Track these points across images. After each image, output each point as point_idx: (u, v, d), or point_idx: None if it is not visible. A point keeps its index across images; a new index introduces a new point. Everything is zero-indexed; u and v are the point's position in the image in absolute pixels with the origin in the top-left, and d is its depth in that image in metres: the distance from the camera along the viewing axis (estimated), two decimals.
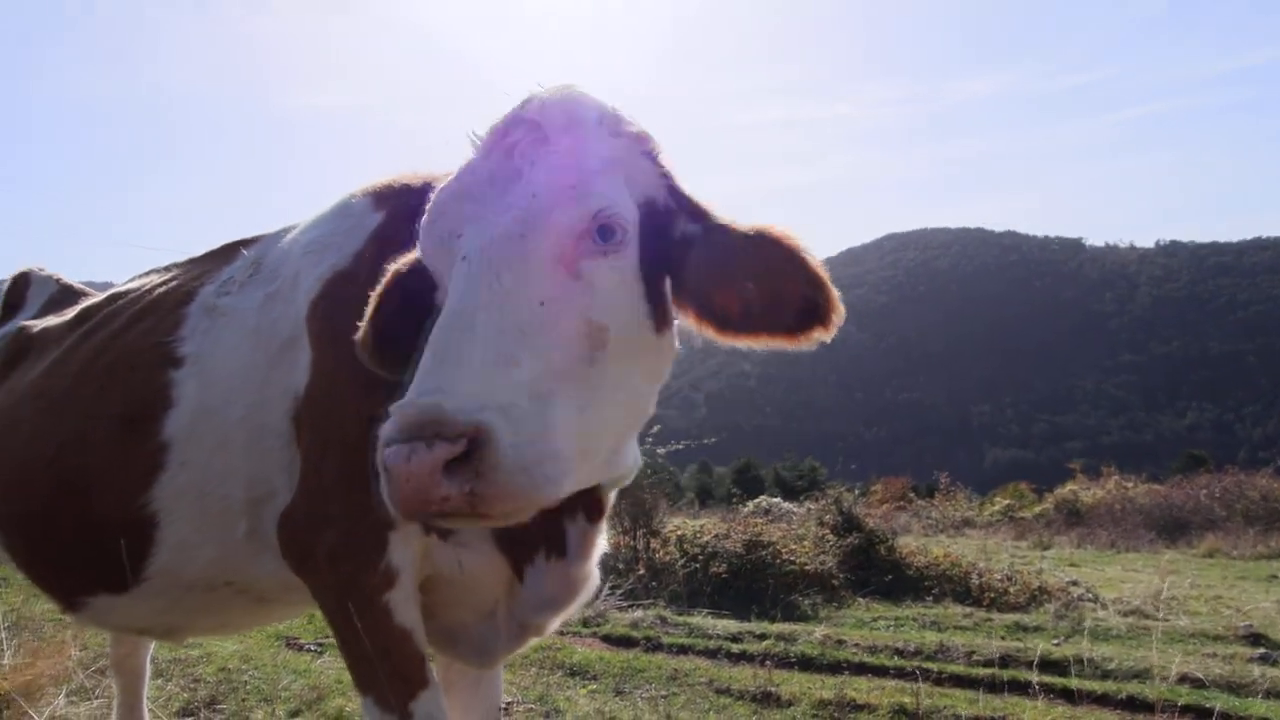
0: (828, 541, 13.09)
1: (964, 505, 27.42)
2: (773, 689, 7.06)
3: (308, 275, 2.92)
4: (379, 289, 2.38)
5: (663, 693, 7.11)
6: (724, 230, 2.28)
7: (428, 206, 2.22)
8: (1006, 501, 29.92)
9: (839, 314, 2.24)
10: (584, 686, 7.24)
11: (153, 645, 5.02)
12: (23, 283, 4.66)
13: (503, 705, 3.26)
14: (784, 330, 2.26)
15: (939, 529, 23.60)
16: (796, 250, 2.23)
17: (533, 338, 1.96)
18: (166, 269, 3.78)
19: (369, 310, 2.37)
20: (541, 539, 2.70)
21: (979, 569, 12.60)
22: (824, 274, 2.22)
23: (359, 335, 2.37)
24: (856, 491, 16.34)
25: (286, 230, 3.25)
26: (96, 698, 5.67)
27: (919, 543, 15.29)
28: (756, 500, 21.40)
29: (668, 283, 2.29)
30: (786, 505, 19.66)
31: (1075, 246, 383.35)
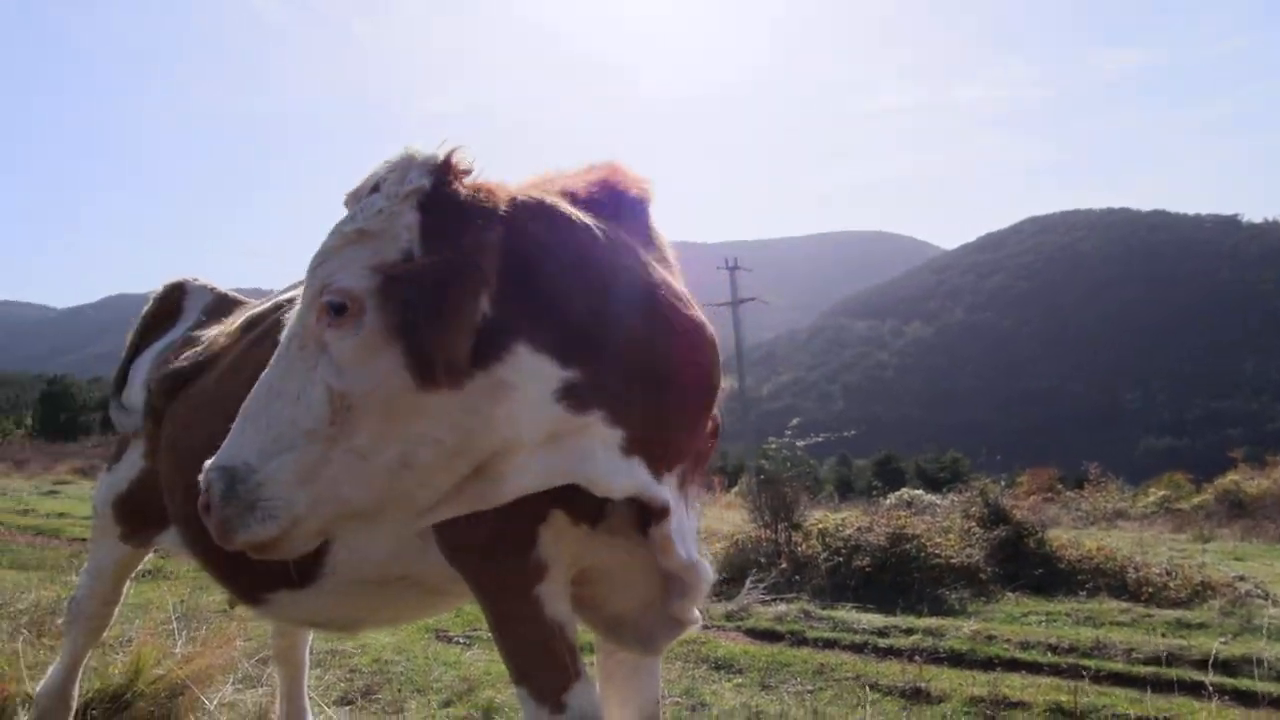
0: (974, 534, 12.77)
1: (1116, 496, 26.38)
2: (922, 684, 6.95)
3: None
4: None
5: (809, 687, 7.06)
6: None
7: None
8: (1162, 492, 28.75)
9: None
10: (729, 680, 7.24)
11: (311, 637, 5.20)
12: (179, 293, 4.83)
13: (660, 698, 3.26)
14: None
15: (1090, 521, 22.76)
16: None
17: (275, 408, 2.39)
18: None
19: None
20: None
21: (1135, 563, 12.09)
22: None
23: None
24: (1002, 483, 15.89)
25: None
26: (261, 686, 5.91)
27: (1070, 535, 14.76)
28: (898, 493, 21.05)
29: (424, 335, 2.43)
30: (929, 497, 19.28)
31: (1231, 224, 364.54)
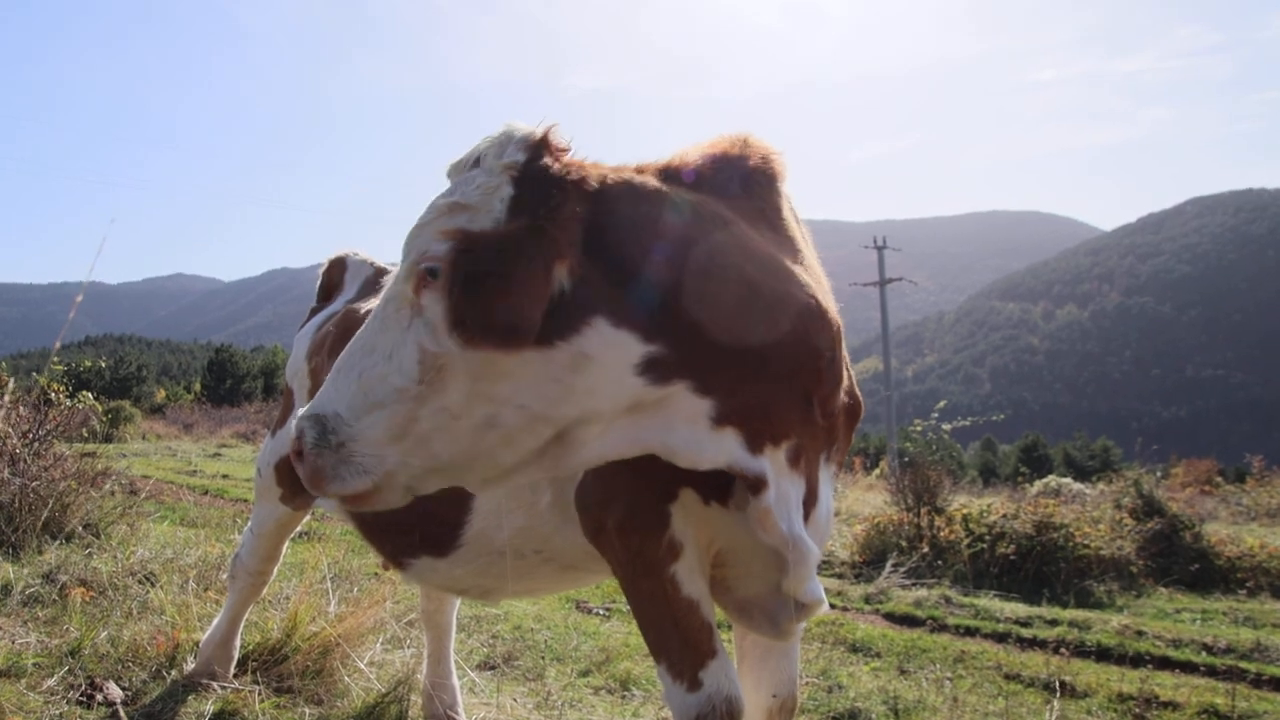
0: (1125, 525, 12.34)
1: None
2: (1067, 678, 6.75)
3: None
4: None
5: (948, 675, 6.95)
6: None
7: None
8: None
9: None
10: (867, 664, 7.17)
11: (458, 602, 5.36)
12: (339, 267, 5.04)
13: (797, 680, 3.26)
14: None
15: (1251, 517, 21.67)
16: None
17: (370, 364, 2.47)
18: None
19: None
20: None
21: None
22: None
23: None
24: (1156, 474, 15.30)
25: None
26: (409, 647, 6.10)
27: (1229, 531, 14.13)
28: (1045, 480, 20.47)
29: None
30: (1077, 486, 18.71)
31: None
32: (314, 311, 4.92)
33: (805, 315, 2.56)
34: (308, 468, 2.35)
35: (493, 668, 6.32)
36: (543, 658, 6.61)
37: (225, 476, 19.47)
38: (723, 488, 2.72)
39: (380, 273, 4.76)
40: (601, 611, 8.28)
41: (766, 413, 2.57)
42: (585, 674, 6.32)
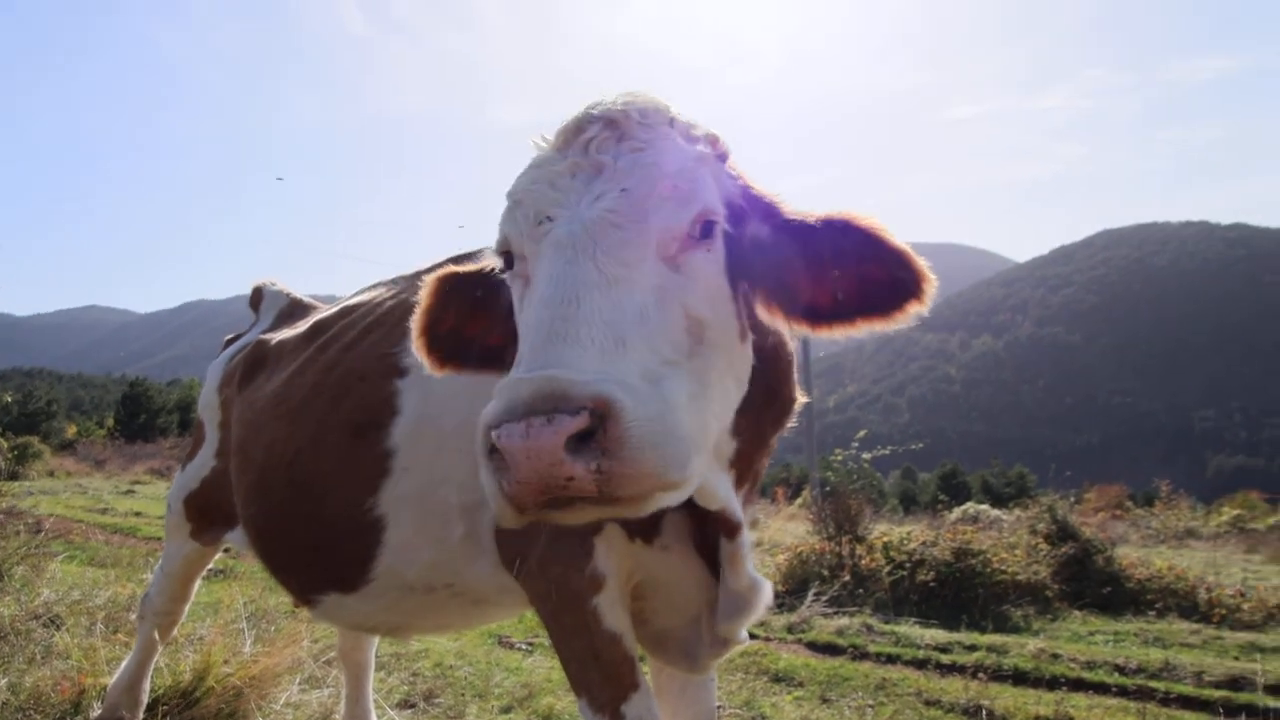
0: (1041, 550, 12.58)
1: (1187, 515, 25.81)
2: (984, 702, 6.84)
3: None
4: (428, 289, 2.54)
5: (869, 702, 7.00)
6: (798, 225, 2.29)
7: (508, 192, 2.25)
8: (1235, 512, 27.99)
9: (930, 284, 2.20)
10: (789, 693, 7.20)
11: (377, 640, 5.29)
12: (256, 297, 5.00)
13: (715, 712, 3.27)
14: (878, 312, 2.25)
15: (1159, 540, 22.29)
16: (874, 231, 2.22)
17: (641, 324, 1.94)
18: (393, 283, 3.98)
19: (419, 307, 2.52)
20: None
21: (1207, 583, 11.84)
22: (906, 249, 2.20)
23: (414, 326, 2.52)
24: (1070, 499, 15.65)
25: None
26: (327, 687, 5.99)
27: (1139, 554, 14.50)
28: (963, 507, 20.82)
29: (743, 288, 2.29)
30: (995, 512, 19.05)
31: None
32: (228, 342, 4.85)
33: (791, 359, 2.65)
34: (629, 454, 1.76)
35: (413, 706, 6.23)
36: (464, 695, 6.53)
37: (138, 514, 18.97)
38: (647, 524, 2.72)
39: (296, 304, 4.70)
40: (524, 646, 8.20)
41: (751, 455, 2.63)
42: (507, 710, 6.25)
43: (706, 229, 2.13)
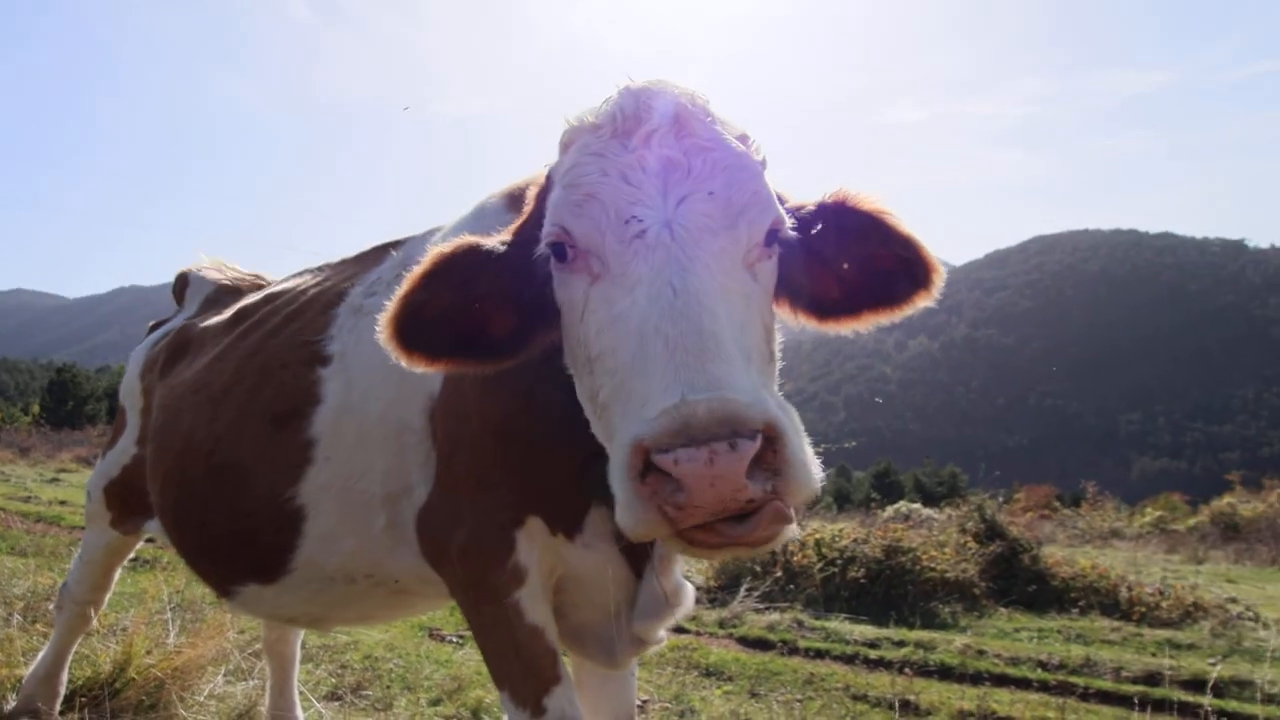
0: (969, 549, 12.78)
1: (1112, 516, 26.43)
2: (911, 697, 6.95)
3: None
4: (424, 268, 2.26)
5: (798, 697, 7.06)
6: (805, 215, 2.27)
7: (566, 172, 2.15)
8: (1158, 513, 28.72)
9: (938, 273, 2.22)
10: (719, 687, 7.24)
11: (303, 631, 5.22)
12: (181, 282, 4.90)
13: (638, 704, 3.28)
14: (886, 303, 2.27)
15: (1085, 539, 22.77)
16: (879, 213, 2.22)
17: (745, 335, 1.94)
18: (319, 270, 3.92)
19: (405, 288, 2.24)
20: (648, 548, 2.74)
21: (1128, 582, 12.12)
22: (913, 232, 2.18)
23: (387, 312, 2.23)
24: (999, 499, 15.93)
25: (433, 231, 3.32)
26: (252, 679, 5.90)
27: (1064, 553, 14.78)
28: (895, 505, 21.09)
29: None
30: (926, 511, 19.31)
31: (1237, 248, 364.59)
32: (153, 328, 4.75)
33: None
34: (795, 472, 1.77)
35: (340, 698, 6.16)
36: (392, 687, 6.47)
37: (63, 503, 18.52)
38: (570, 519, 2.72)
39: (221, 288, 4.62)
40: (455, 639, 8.16)
41: None
42: (436, 703, 6.21)
43: (772, 236, 2.11)
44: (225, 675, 5.76)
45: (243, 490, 3.31)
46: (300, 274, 4.04)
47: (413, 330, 2.21)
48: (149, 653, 5.19)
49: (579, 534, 2.73)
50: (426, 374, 2.88)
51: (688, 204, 2.03)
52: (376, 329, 2.22)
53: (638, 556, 2.77)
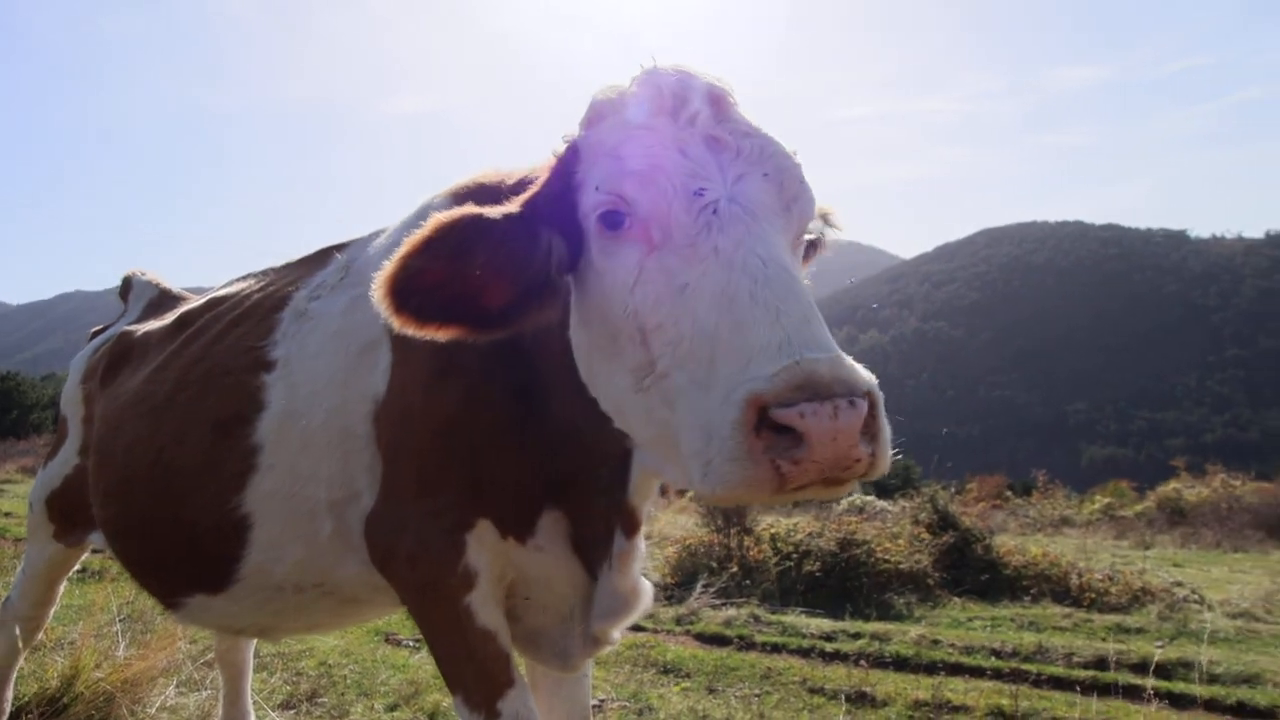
0: (923, 540, 12.91)
1: (1062, 504, 26.76)
2: (867, 689, 7.01)
3: None
4: (425, 234, 2.18)
5: (756, 691, 7.09)
6: None
7: (616, 144, 2.16)
8: (1106, 500, 29.15)
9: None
10: (677, 684, 7.25)
11: (255, 640, 5.16)
12: (124, 287, 4.83)
13: (593, 705, 3.27)
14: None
15: (1036, 528, 23.07)
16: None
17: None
18: (263, 274, 3.87)
19: (405, 251, 2.18)
20: (605, 547, 2.74)
21: (1078, 569, 12.31)
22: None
23: (384, 273, 2.17)
24: (952, 490, 16.08)
25: (378, 233, 3.30)
26: (205, 689, 5.84)
27: (1016, 541, 14.97)
28: (850, 498, 21.20)
29: None
30: (880, 503, 19.43)
31: (1179, 239, 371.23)
32: (95, 334, 4.68)
33: None
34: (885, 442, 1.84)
35: (294, 706, 6.11)
36: (348, 694, 6.42)
37: (8, 514, 18.17)
38: (521, 521, 2.71)
39: (166, 294, 4.55)
40: (411, 643, 8.10)
41: None
42: (393, 708, 6.17)
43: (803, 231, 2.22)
44: (177, 686, 5.70)
45: (187, 500, 3.26)
46: (244, 278, 3.99)
47: (407, 293, 2.17)
48: (98, 666, 5.12)
49: (531, 537, 2.72)
50: (370, 379, 2.84)
51: (745, 182, 2.07)
52: (371, 288, 2.17)
53: (592, 557, 2.77)
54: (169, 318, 4.06)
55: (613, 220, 2.11)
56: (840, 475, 1.74)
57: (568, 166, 2.28)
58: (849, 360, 1.78)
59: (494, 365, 2.66)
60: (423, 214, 3.02)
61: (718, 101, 2.17)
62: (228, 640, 4.89)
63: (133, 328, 4.24)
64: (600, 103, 2.26)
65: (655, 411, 2.03)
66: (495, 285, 2.22)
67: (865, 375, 1.77)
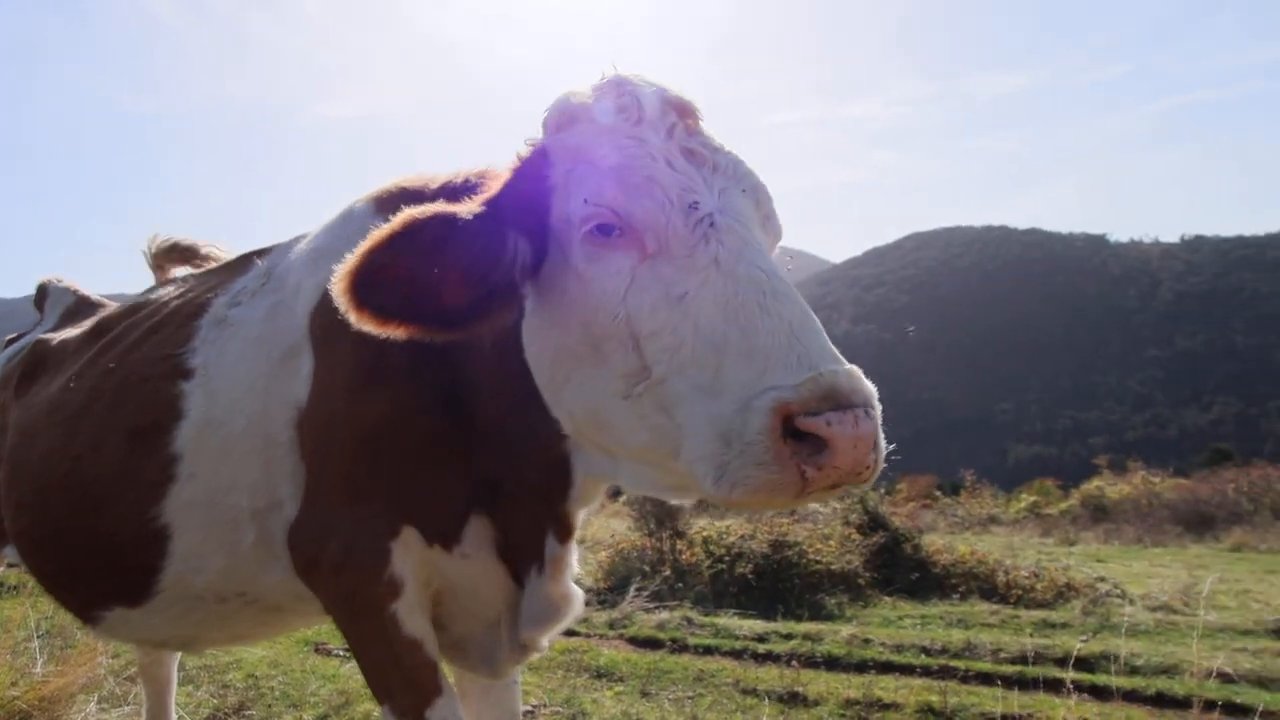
0: (853, 540, 13.05)
1: (990, 502, 27.24)
2: (799, 689, 7.06)
3: (307, 284, 2.93)
4: (392, 228, 2.16)
5: (689, 694, 7.11)
6: None
7: (600, 152, 2.18)
8: (1032, 498, 29.68)
9: None
10: (610, 688, 7.25)
11: (179, 654, 5.06)
12: (40, 294, 4.72)
13: (524, 711, 3.26)
14: None
15: (965, 526, 23.47)
16: None
17: None
18: (183, 280, 3.80)
19: (369, 245, 2.14)
20: (534, 554, 2.73)
21: (1005, 566, 12.53)
22: None
23: (347, 266, 2.12)
24: (881, 490, 16.27)
25: (299, 239, 3.26)
26: (127, 705, 5.72)
27: (945, 540, 15.21)
28: None
29: None
30: (811, 505, 19.62)
31: (1099, 243, 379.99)
32: (9, 342, 4.55)
33: None
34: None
35: None
36: (276, 705, 6.33)
37: None
38: (447, 529, 2.70)
39: (84, 301, 4.45)
40: (341, 653, 8.00)
41: None
42: (323, 719, 6.09)
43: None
44: (98, 703, 5.58)
45: (104, 511, 3.18)
46: (164, 284, 3.91)
47: (368, 288, 2.13)
48: (14, 684, 4.99)
49: (457, 544, 2.70)
50: (292, 385, 2.81)
51: (729, 197, 2.14)
52: (331, 281, 2.13)
53: (520, 563, 2.76)
54: (86, 325, 3.97)
55: (603, 229, 2.13)
56: (851, 480, 1.85)
57: (537, 169, 2.29)
58: (860, 372, 1.88)
59: (420, 370, 2.64)
60: (345, 218, 3.00)
61: (688, 114, 2.24)
62: (151, 654, 4.79)
63: (49, 336, 4.14)
64: (569, 106, 2.28)
65: (649, 417, 2.06)
66: (459, 284, 2.20)
67: (873, 388, 1.89)
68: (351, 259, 2.11)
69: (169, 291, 3.70)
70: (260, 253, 3.42)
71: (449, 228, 2.19)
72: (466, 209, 2.23)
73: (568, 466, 2.61)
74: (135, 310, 3.72)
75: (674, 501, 2.15)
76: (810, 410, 1.77)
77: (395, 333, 2.16)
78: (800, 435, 1.78)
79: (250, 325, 3.06)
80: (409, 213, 2.17)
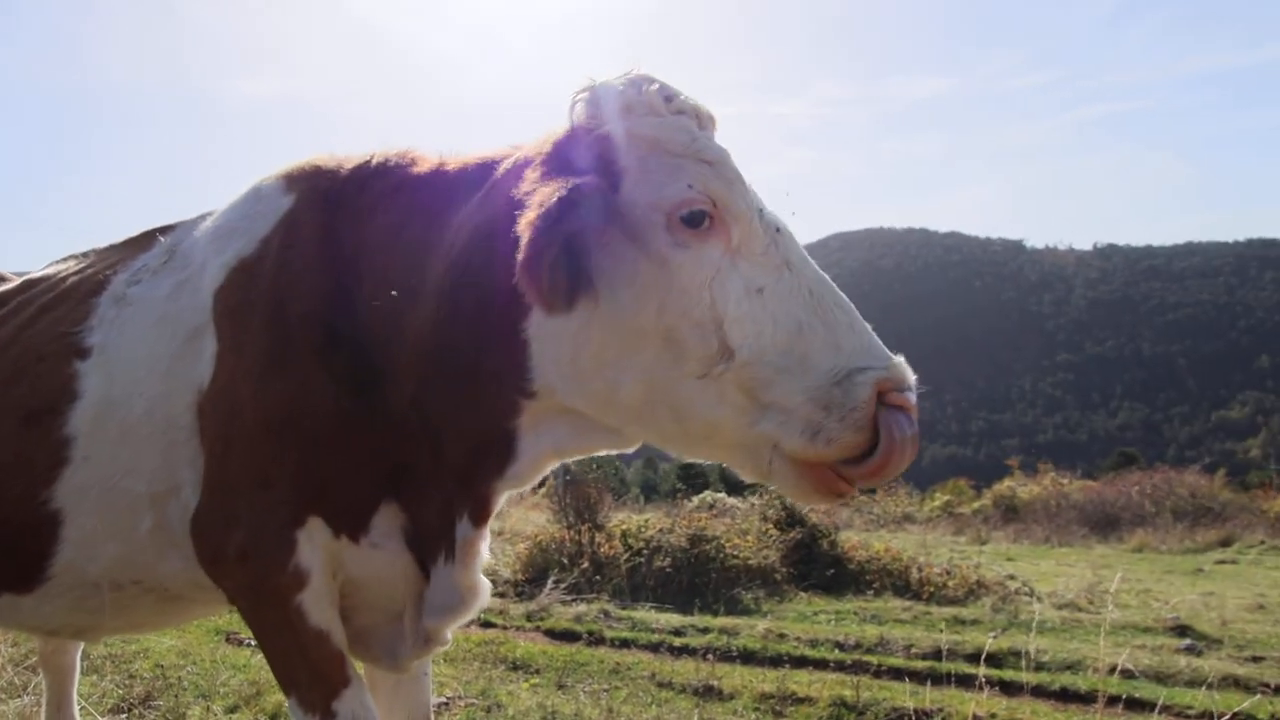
0: (771, 536, 13.16)
1: (905, 501, 27.67)
2: (714, 682, 7.09)
3: (213, 263, 2.85)
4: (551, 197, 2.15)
5: (605, 687, 7.11)
6: None
7: (698, 148, 2.30)
8: (946, 498, 30.23)
9: None
10: (526, 681, 7.22)
11: (83, 643, 4.91)
12: None
13: (436, 703, 3.21)
14: None
15: (880, 524, 23.85)
16: None
17: None
18: (83, 256, 3.65)
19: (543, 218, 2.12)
20: (443, 538, 2.69)
21: (919, 563, 12.76)
22: None
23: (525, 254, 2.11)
24: None
25: (205, 216, 3.15)
26: (26, 694, 5.55)
27: (860, 537, 15.46)
28: (701, 495, 21.40)
29: None
30: (731, 500, 19.68)
31: (1016, 248, 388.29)
32: None
33: None
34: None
35: (127, 710, 5.84)
36: (185, 695, 6.18)
37: None
38: (354, 519, 2.65)
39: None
40: (252, 643, 7.85)
41: None
42: (233, 710, 5.97)
43: None
44: None
45: None
46: (63, 260, 3.76)
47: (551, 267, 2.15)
48: None
49: (365, 534, 2.65)
50: (195, 367, 2.72)
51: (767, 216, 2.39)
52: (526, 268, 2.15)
53: (426, 552, 2.71)
54: None
55: (695, 218, 2.23)
56: (913, 449, 2.22)
57: (605, 153, 2.31)
58: None
59: (329, 354, 2.59)
60: (255, 195, 2.92)
61: (713, 124, 2.42)
62: (52, 642, 4.63)
63: None
64: (626, 97, 2.32)
65: (728, 395, 2.22)
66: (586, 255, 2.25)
67: None
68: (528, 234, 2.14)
69: (67, 267, 3.54)
70: (163, 229, 3.29)
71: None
72: (591, 182, 2.25)
73: (511, 443, 2.55)
74: (31, 286, 3.56)
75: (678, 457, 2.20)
76: (902, 386, 2.20)
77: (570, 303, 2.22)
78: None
79: (152, 304, 2.95)
80: (576, 184, 2.19)
